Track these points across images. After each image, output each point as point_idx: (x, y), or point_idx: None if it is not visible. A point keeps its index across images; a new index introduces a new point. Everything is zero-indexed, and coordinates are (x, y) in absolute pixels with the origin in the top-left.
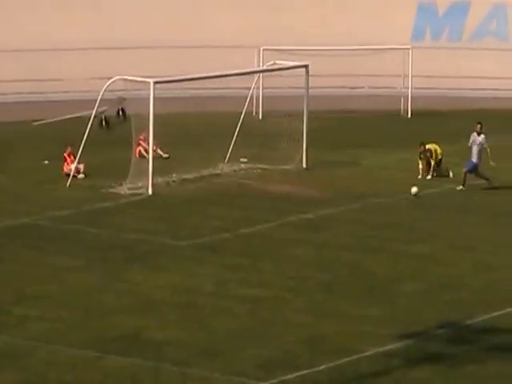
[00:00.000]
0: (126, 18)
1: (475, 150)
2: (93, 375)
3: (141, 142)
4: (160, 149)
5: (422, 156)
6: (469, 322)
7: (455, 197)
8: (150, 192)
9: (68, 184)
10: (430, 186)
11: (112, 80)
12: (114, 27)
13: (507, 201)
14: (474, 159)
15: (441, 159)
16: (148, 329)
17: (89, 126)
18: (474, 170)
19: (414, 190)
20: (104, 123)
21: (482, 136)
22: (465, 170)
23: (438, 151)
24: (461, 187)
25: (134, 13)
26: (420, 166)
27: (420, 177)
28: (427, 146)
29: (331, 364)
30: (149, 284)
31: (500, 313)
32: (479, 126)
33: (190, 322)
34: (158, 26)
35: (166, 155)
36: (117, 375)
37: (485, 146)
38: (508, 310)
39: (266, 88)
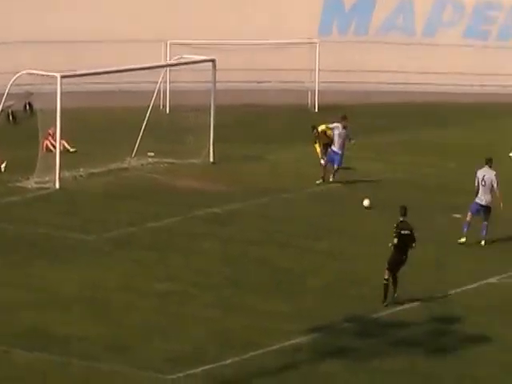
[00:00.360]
0: (32, 11)
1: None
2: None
3: (49, 136)
4: (67, 143)
5: (316, 140)
6: (374, 316)
7: (360, 192)
8: (58, 186)
9: None
10: (336, 181)
11: (19, 74)
12: (18, 20)
13: (409, 196)
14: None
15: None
16: (55, 324)
17: None
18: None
19: (366, 202)
20: (11, 118)
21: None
22: (336, 165)
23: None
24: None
25: (39, 6)
26: (318, 150)
27: (322, 162)
28: (319, 129)
29: (238, 358)
30: (55, 278)
31: (404, 307)
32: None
33: (97, 316)
34: (66, 20)
35: (72, 149)
36: (24, 370)
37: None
38: (412, 304)
39: (173, 82)
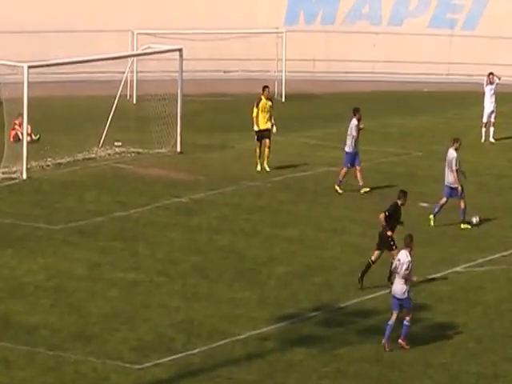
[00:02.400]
0: (0, 1)
1: None
2: None
3: (16, 126)
4: (32, 132)
5: None
6: (341, 304)
7: (324, 179)
8: (25, 176)
9: None
10: (301, 170)
11: None
12: None
13: (376, 185)
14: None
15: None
16: (20, 313)
17: None
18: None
19: (475, 220)
20: None
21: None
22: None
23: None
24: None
25: None
26: None
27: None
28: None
29: (205, 347)
30: (21, 268)
31: (371, 296)
32: None
33: (63, 306)
34: (32, 11)
35: (36, 137)
36: None
37: None
38: (378, 293)
39: (140, 72)
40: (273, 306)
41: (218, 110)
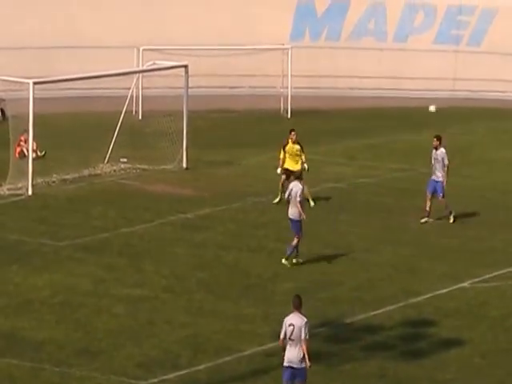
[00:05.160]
0: (3, 18)
1: None
2: None
3: (21, 142)
4: (38, 148)
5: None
6: (347, 320)
7: (331, 195)
8: (30, 192)
9: None
10: (310, 185)
11: None
12: None
13: (382, 200)
14: None
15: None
16: (25, 329)
17: None
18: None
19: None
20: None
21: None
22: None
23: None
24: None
25: (13, 12)
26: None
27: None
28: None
29: (211, 363)
30: (27, 284)
31: (378, 312)
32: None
33: (68, 322)
34: (38, 27)
35: (42, 153)
36: None
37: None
38: (385, 308)
39: (146, 88)
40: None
41: (223, 127)
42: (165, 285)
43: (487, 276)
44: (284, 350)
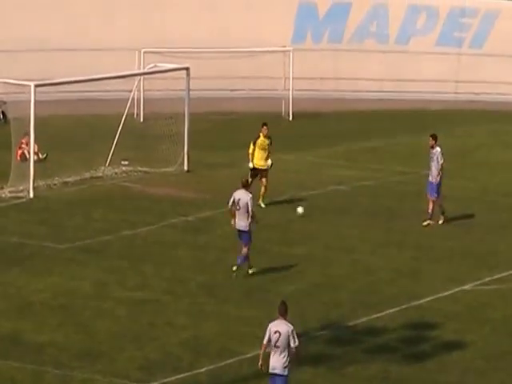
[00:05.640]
0: (4, 20)
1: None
2: None
3: (22, 145)
4: (39, 151)
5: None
6: (349, 323)
7: (333, 198)
8: (32, 195)
9: None
10: (309, 188)
11: None
12: None
13: (383, 203)
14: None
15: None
16: (27, 332)
17: None
18: None
19: (300, 210)
20: (1, 116)
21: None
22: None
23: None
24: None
25: (13, 14)
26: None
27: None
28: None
29: (212, 366)
30: (29, 287)
31: (380, 314)
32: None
33: (70, 324)
34: (38, 29)
35: (43, 156)
36: None
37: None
38: (387, 311)
39: (147, 90)
40: None
41: (225, 129)
42: (166, 287)
43: (489, 279)
44: (263, 356)
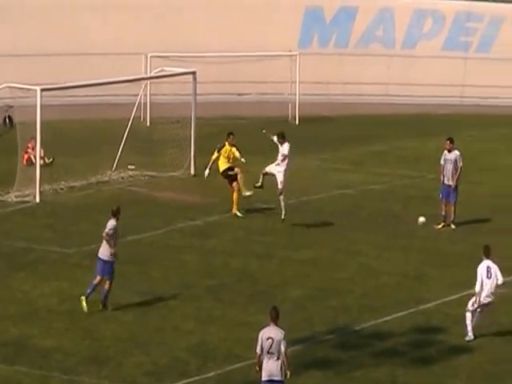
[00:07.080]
0: (13, 25)
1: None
2: None
3: (29, 149)
4: (45, 156)
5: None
6: (356, 327)
7: (339, 202)
8: (38, 200)
9: None
10: (315, 192)
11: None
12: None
13: (390, 207)
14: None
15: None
16: (34, 337)
17: None
18: None
19: (422, 219)
20: (8, 121)
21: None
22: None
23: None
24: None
25: (20, 21)
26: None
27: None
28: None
29: (220, 371)
30: (35, 292)
31: (387, 318)
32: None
33: (76, 329)
34: (45, 33)
35: (49, 160)
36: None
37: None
38: (394, 315)
39: (154, 95)
40: (287, 329)
41: None
42: (173, 292)
43: None
44: (260, 365)
